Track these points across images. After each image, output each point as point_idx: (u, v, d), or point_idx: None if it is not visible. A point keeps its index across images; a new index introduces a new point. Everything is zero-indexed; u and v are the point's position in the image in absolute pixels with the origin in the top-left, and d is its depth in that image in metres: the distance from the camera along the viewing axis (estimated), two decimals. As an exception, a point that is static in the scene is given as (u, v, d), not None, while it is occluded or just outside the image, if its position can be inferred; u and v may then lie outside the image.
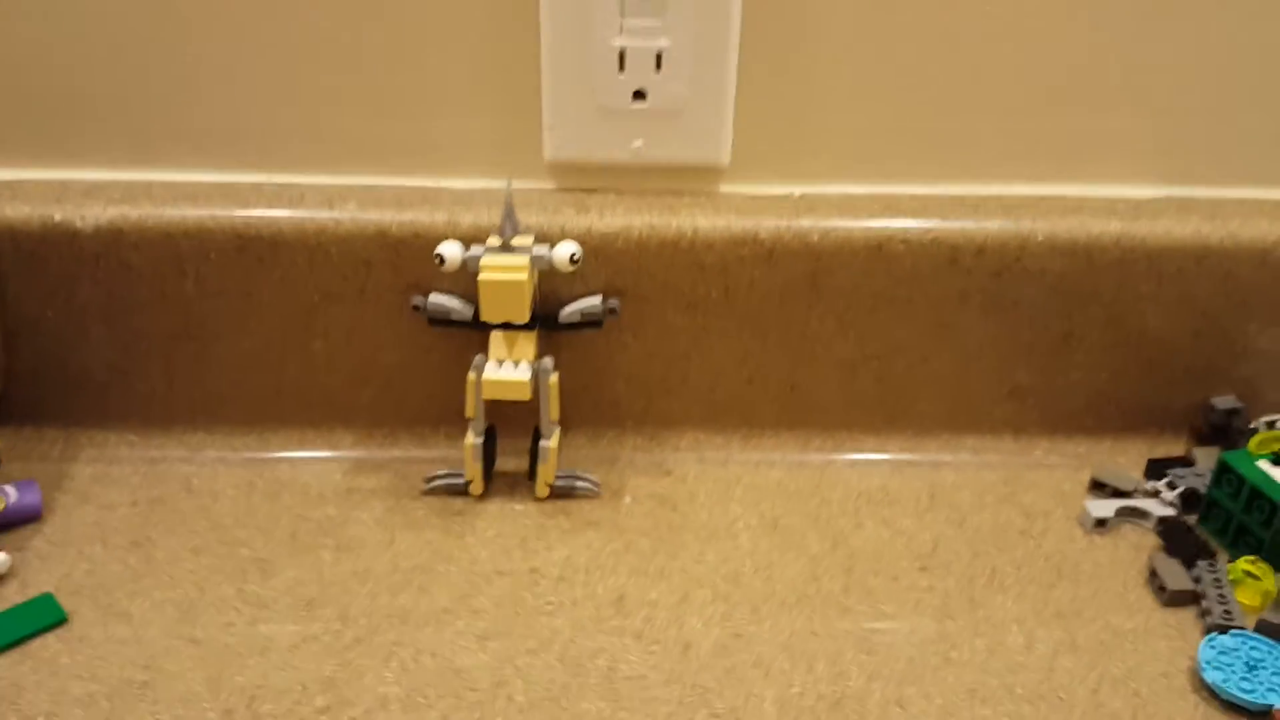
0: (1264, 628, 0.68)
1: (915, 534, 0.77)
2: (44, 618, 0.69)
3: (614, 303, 0.78)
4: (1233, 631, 0.68)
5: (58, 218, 0.76)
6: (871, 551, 0.75)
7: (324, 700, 0.63)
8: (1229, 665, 0.66)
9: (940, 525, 0.78)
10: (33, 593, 0.71)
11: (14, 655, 0.66)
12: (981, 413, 0.84)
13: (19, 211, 0.76)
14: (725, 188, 0.80)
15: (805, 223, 0.77)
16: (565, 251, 0.74)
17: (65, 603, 0.70)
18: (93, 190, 0.78)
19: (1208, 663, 0.66)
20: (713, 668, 0.66)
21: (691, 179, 0.80)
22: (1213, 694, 0.65)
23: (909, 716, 0.64)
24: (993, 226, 0.77)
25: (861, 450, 0.84)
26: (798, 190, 0.80)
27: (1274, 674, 0.65)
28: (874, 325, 0.80)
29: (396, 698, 0.64)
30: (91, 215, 0.76)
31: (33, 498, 0.76)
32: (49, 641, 0.67)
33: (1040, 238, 0.77)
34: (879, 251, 0.77)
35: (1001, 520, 0.78)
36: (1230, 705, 0.64)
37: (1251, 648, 0.67)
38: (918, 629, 0.69)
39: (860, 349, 0.81)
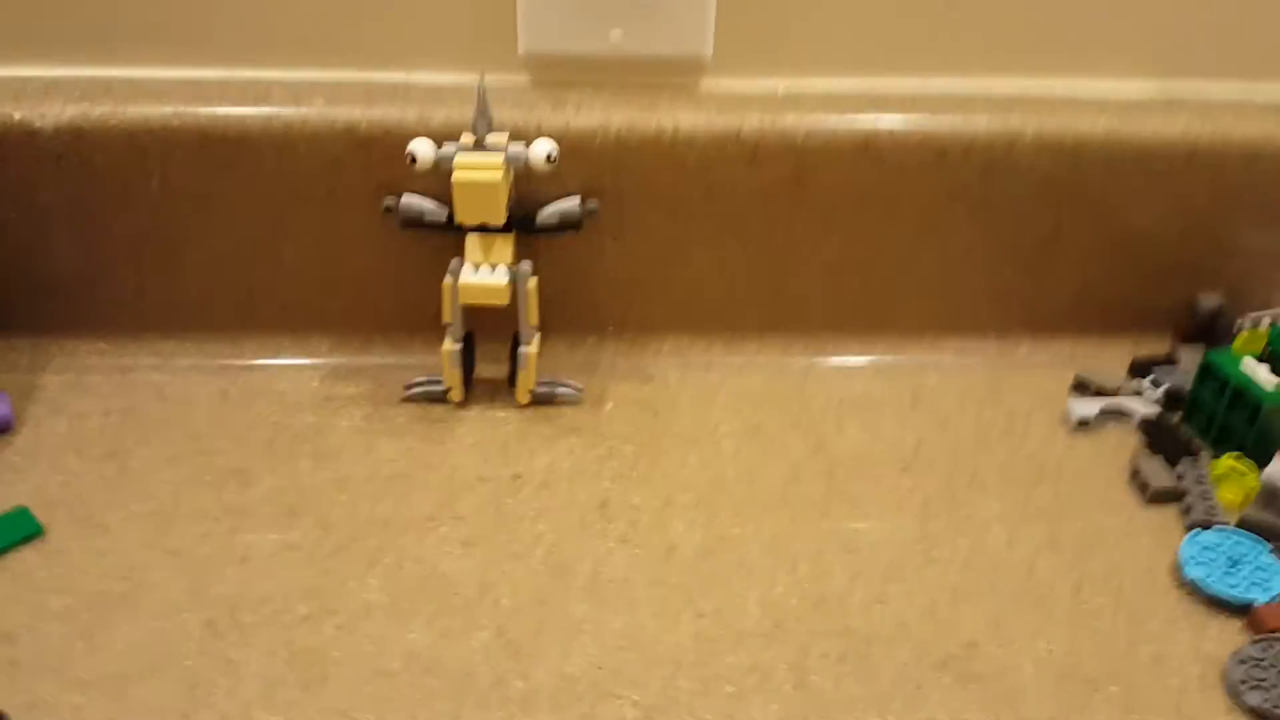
0: (1247, 523, 0.68)
1: (897, 437, 0.77)
2: (19, 531, 0.67)
3: (593, 204, 0.76)
4: (1215, 528, 0.68)
5: (16, 116, 0.73)
6: (853, 455, 0.75)
7: (307, 608, 0.63)
8: (1211, 561, 0.66)
9: (923, 428, 0.77)
10: (6, 506, 0.69)
11: (-11, 568, 0.66)
12: (966, 314, 0.83)
13: (-26, 111, 0.73)
14: (707, 82, 0.78)
15: (790, 120, 0.75)
16: (542, 151, 0.72)
17: (40, 515, 0.68)
18: (52, 88, 0.75)
19: (1190, 559, 0.66)
20: (697, 570, 0.66)
21: (672, 72, 0.77)
22: (1195, 590, 0.66)
23: (891, 614, 0.64)
24: (981, 124, 0.75)
25: (844, 354, 0.83)
26: (782, 86, 0.78)
27: (1256, 569, 0.66)
28: (859, 226, 0.79)
29: (381, 605, 0.63)
30: (51, 114, 0.73)
31: (2, 409, 0.75)
32: (25, 555, 0.66)
33: (1029, 135, 0.76)
34: (865, 150, 0.75)
35: (984, 421, 0.78)
36: (1212, 601, 0.65)
37: (1234, 544, 0.67)
38: (899, 529, 0.69)
39: (845, 251, 0.80)
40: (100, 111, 0.74)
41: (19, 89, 0.75)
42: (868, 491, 0.72)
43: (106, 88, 0.75)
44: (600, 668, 0.60)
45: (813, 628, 0.63)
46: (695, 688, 0.60)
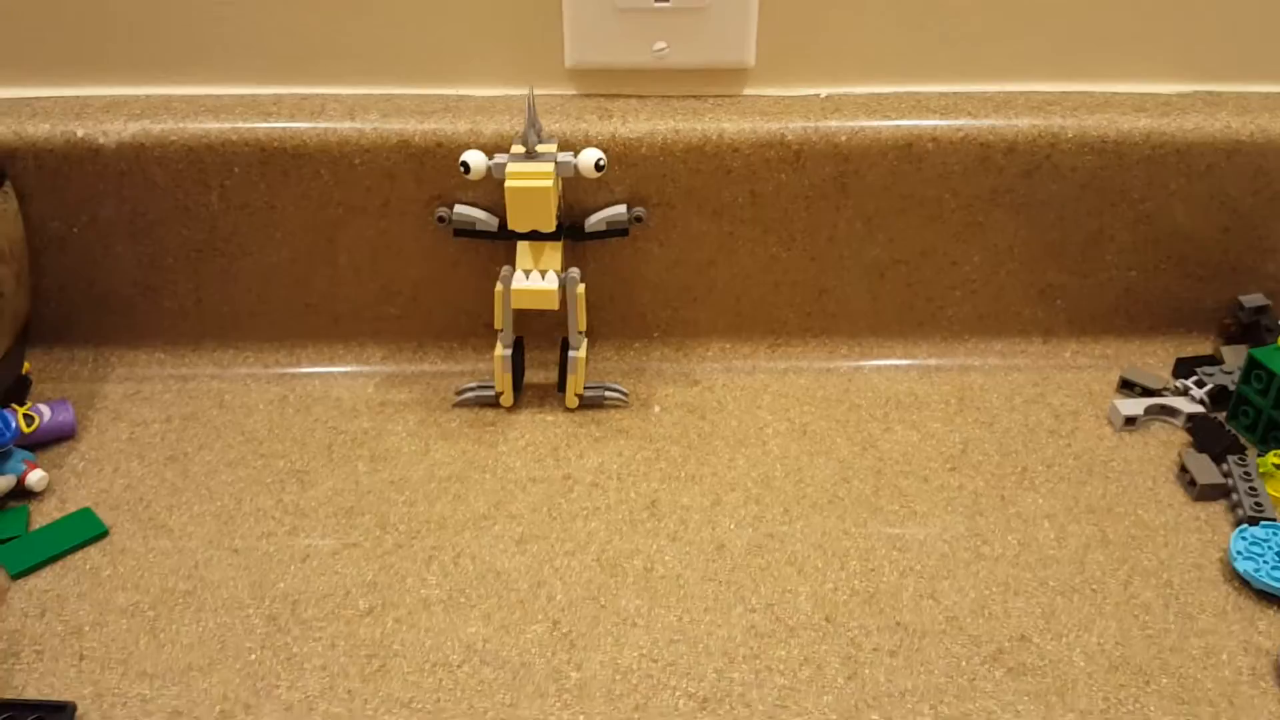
0: (1296, 518, 0.69)
1: (944, 436, 0.77)
2: (84, 531, 0.70)
3: (640, 211, 0.78)
4: (1263, 523, 0.68)
5: (80, 134, 0.76)
6: (901, 454, 0.76)
7: (367, 603, 0.64)
8: (1260, 555, 0.66)
9: (969, 427, 0.78)
10: (71, 508, 0.71)
11: (56, 569, 0.67)
12: (1010, 315, 0.83)
13: (40, 129, 0.76)
14: (750, 90, 0.79)
15: (833, 123, 0.76)
16: (590, 159, 0.73)
17: (104, 517, 0.70)
18: (114, 106, 0.77)
19: (1239, 553, 0.66)
20: (747, 566, 0.67)
21: (716, 82, 0.79)
22: (1244, 583, 0.66)
23: (943, 609, 0.64)
24: (1022, 124, 0.76)
25: (889, 356, 0.84)
26: (824, 91, 0.79)
27: (1306, 562, 0.66)
28: (903, 227, 0.80)
29: (439, 599, 0.65)
30: (114, 131, 0.76)
31: (66, 416, 0.77)
32: (90, 554, 0.68)
33: (1070, 135, 0.76)
34: (908, 151, 0.76)
35: (1031, 421, 0.78)
36: (1262, 594, 0.65)
37: (1283, 537, 0.67)
38: (949, 527, 0.70)
39: (889, 252, 0.80)
40: (161, 128, 0.76)
41: (81, 107, 0.77)
42: (916, 489, 0.73)
43: (166, 105, 0.78)
44: (654, 660, 0.61)
45: (864, 622, 0.64)
46: (748, 679, 0.60)
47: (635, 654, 0.62)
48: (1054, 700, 0.59)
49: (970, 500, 0.72)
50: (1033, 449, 0.76)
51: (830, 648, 0.62)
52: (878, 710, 0.59)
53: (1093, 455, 0.75)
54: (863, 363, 0.84)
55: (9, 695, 0.60)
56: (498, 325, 0.77)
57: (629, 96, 0.79)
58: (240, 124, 0.76)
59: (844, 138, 0.76)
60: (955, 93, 0.79)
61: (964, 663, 0.61)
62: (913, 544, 0.69)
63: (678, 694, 0.60)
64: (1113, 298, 0.83)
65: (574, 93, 0.80)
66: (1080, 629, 0.63)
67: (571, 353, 0.78)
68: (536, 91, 0.79)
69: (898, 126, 0.76)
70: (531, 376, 0.82)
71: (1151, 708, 0.59)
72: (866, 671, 0.61)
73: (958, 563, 0.67)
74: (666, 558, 0.68)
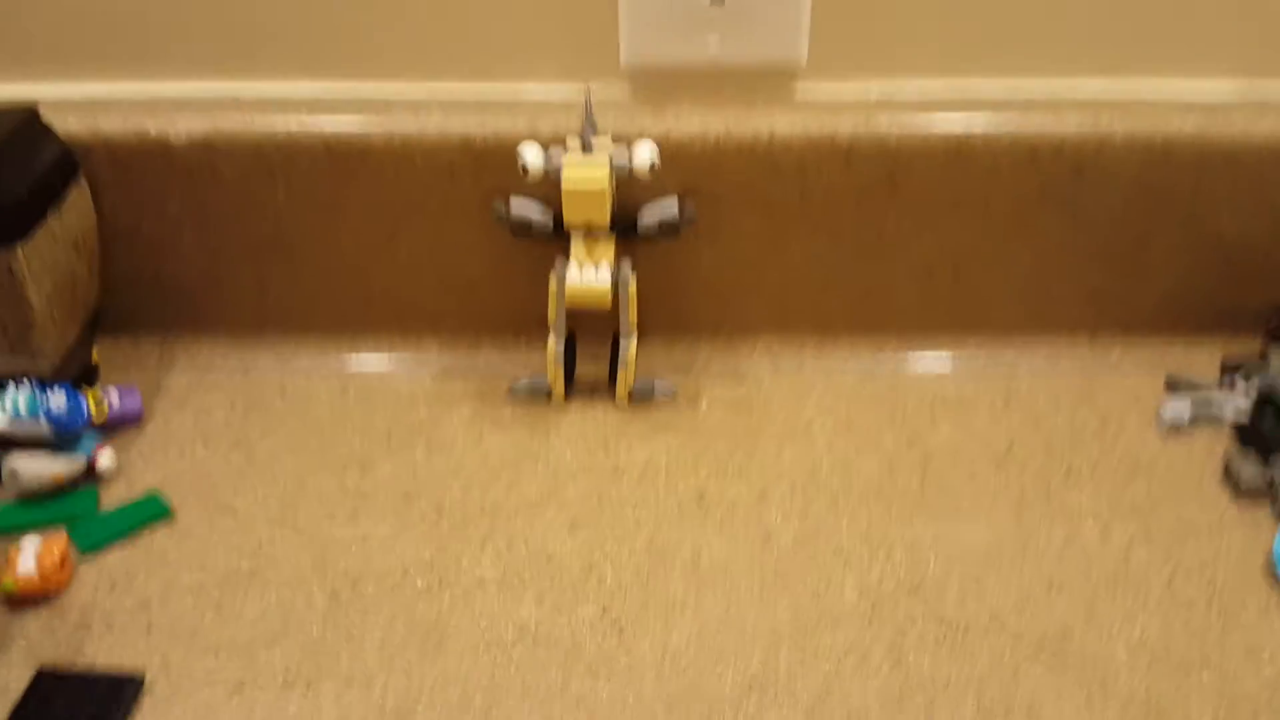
0: (1342, 518, 0.69)
1: (991, 434, 0.78)
2: (152, 512, 0.72)
3: (691, 212, 0.79)
4: (1310, 523, 0.69)
5: (151, 130, 0.79)
6: (947, 450, 0.77)
7: (424, 582, 0.66)
8: (1306, 555, 0.67)
9: (1015, 426, 0.79)
10: (139, 491, 0.74)
11: (124, 548, 0.70)
12: (1058, 316, 0.84)
13: (113, 124, 0.79)
14: (802, 87, 0.81)
15: (883, 122, 0.77)
16: (644, 157, 0.75)
17: (171, 499, 0.73)
18: (183, 103, 0.80)
19: (1284, 552, 0.67)
20: (794, 556, 0.68)
21: (768, 78, 0.80)
22: (1289, 582, 0.66)
23: (986, 602, 0.65)
24: (1071, 125, 0.77)
25: (936, 354, 0.85)
26: (875, 91, 0.80)
27: (1351, 562, 0.66)
28: (951, 226, 0.81)
29: (493, 579, 0.67)
30: (184, 127, 0.78)
31: (134, 402, 0.80)
32: (157, 535, 0.71)
33: (1119, 136, 0.77)
34: (957, 151, 0.78)
35: (1077, 421, 0.79)
36: (1307, 592, 0.66)
37: (1329, 537, 0.68)
38: (995, 522, 0.71)
39: (937, 251, 0.82)
40: (229, 125, 0.79)
41: (152, 104, 0.80)
42: (962, 485, 0.74)
43: (235, 102, 0.80)
44: (702, 644, 0.63)
45: (910, 612, 0.65)
46: (794, 664, 0.62)
47: (683, 638, 0.63)
48: (1095, 691, 0.60)
49: (1016, 497, 0.73)
50: (1078, 448, 0.77)
51: (876, 636, 0.63)
52: (921, 697, 0.60)
53: (1137, 456, 0.76)
54: (910, 360, 0.85)
55: (81, 665, 0.62)
56: (551, 320, 0.79)
57: (682, 94, 0.80)
58: (307, 121, 0.78)
59: (895, 137, 0.77)
60: (1005, 92, 0.80)
61: (1007, 654, 0.62)
62: (958, 538, 0.70)
63: (725, 678, 0.61)
64: (1159, 299, 0.84)
65: (629, 89, 0.81)
66: (1123, 623, 0.64)
67: (622, 348, 0.79)
68: (593, 88, 0.81)
69: (947, 126, 0.77)
70: (583, 371, 0.83)
71: (1193, 701, 0.60)
72: (910, 659, 0.62)
73: (1002, 557, 0.68)
74: (714, 547, 0.69)
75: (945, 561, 0.68)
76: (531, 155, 0.75)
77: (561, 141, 0.77)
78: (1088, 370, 0.84)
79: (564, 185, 0.74)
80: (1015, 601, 0.66)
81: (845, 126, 0.77)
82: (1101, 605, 0.65)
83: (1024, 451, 0.77)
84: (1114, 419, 0.79)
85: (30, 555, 0.66)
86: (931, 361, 0.84)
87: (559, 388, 0.81)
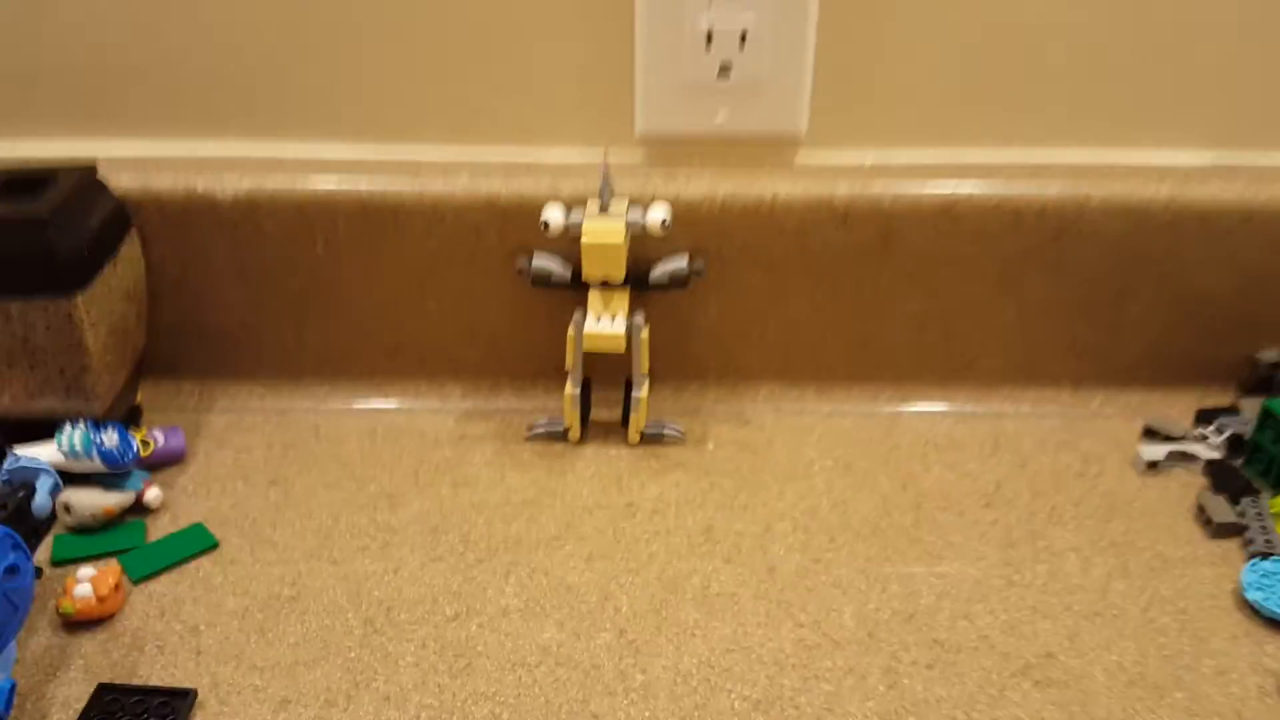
0: (1304, 553, 0.74)
1: (979, 476, 0.83)
2: (197, 544, 0.77)
3: (699, 265, 0.85)
4: (1274, 558, 0.74)
5: (200, 188, 0.85)
6: (939, 491, 0.82)
7: (453, 610, 0.71)
8: (1270, 587, 0.72)
9: (1003, 469, 0.84)
10: (184, 524, 0.79)
11: (172, 576, 0.75)
12: (1042, 367, 0.90)
13: (164, 182, 0.85)
14: (803, 154, 0.87)
15: (877, 187, 0.83)
16: (657, 217, 0.81)
17: (214, 532, 0.78)
18: (231, 164, 0.86)
19: (1250, 584, 0.72)
20: (796, 586, 0.74)
21: (771, 148, 0.87)
22: (1254, 611, 0.71)
23: (976, 629, 0.70)
24: (1053, 190, 0.83)
25: (929, 401, 0.90)
26: (870, 158, 0.87)
27: (1312, 593, 0.71)
28: (942, 283, 0.87)
29: (517, 608, 0.72)
30: (230, 186, 0.84)
31: (177, 441, 0.85)
32: (203, 564, 0.76)
33: (1097, 201, 0.83)
34: (947, 214, 0.84)
35: (1060, 464, 0.85)
36: (1271, 621, 0.70)
37: (1292, 570, 0.73)
38: (983, 556, 0.76)
39: (928, 305, 0.88)
40: (273, 184, 0.85)
41: (201, 164, 0.86)
42: (953, 522, 0.79)
43: (279, 163, 0.86)
44: (711, 666, 0.68)
45: (903, 638, 0.70)
46: (797, 685, 0.67)
47: (694, 660, 0.68)
48: (1076, 710, 0.65)
49: (1003, 534, 0.78)
50: (1061, 489, 0.82)
51: (872, 660, 0.68)
52: (915, 715, 0.65)
53: (1117, 496, 0.81)
54: (903, 407, 0.90)
55: (135, 682, 0.67)
56: (568, 366, 0.84)
57: (692, 160, 0.87)
58: (345, 182, 0.85)
59: (888, 200, 0.83)
60: (990, 159, 0.86)
61: (995, 675, 0.67)
62: (949, 571, 0.75)
63: (733, 696, 0.66)
64: (1138, 352, 0.89)
65: (643, 155, 0.88)
66: (1102, 648, 0.69)
67: (635, 393, 0.85)
68: (610, 154, 0.87)
69: (938, 190, 0.84)
70: (597, 414, 0.89)
71: (1165, 719, 0.65)
72: (905, 681, 0.67)
73: (990, 588, 0.73)
74: (722, 577, 0.74)
75: (937, 592, 0.73)
76: (553, 214, 0.81)
77: (581, 202, 0.83)
78: (1070, 417, 0.89)
79: (584, 240, 0.80)
80: (1002, 628, 0.70)
81: (842, 190, 0.83)
82: (1082, 631, 0.70)
83: (1011, 492, 0.82)
84: (1095, 462, 0.85)
85: (87, 581, 0.71)
86: (924, 408, 0.90)
87: (575, 430, 0.86)
